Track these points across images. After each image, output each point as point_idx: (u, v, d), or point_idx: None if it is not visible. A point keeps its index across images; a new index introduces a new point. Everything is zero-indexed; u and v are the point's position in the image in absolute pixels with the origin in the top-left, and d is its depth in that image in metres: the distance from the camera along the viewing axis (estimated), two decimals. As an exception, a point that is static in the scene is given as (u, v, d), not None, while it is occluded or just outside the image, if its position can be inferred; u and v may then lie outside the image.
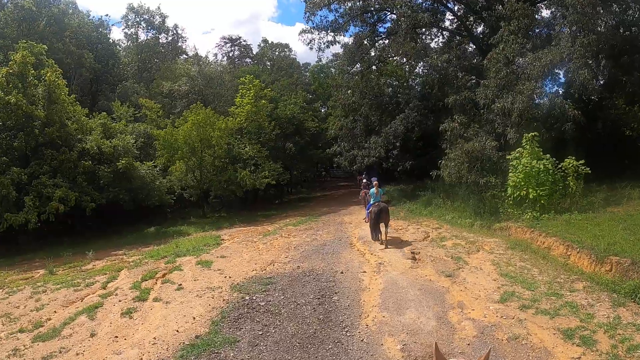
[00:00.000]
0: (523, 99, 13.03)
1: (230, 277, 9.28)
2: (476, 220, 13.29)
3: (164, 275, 10.59)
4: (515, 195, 11.53)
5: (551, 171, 11.35)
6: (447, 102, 15.36)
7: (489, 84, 14.09)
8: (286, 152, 26.81)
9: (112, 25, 43.70)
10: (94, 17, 39.41)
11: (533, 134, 11.84)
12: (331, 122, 29.54)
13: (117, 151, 20.57)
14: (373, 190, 12.14)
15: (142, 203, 21.00)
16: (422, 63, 22.97)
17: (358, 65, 25.29)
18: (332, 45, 23.93)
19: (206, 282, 9.07)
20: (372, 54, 26.02)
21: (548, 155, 11.58)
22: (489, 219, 12.62)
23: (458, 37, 22.10)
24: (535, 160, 11.38)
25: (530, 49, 14.56)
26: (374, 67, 26.32)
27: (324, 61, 37.33)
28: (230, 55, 57.13)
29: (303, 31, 25.06)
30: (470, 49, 22.29)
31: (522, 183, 11.32)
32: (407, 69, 27.33)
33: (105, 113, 23.11)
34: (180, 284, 9.19)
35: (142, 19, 44.72)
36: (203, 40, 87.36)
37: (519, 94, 13.38)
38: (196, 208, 25.79)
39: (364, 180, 19.37)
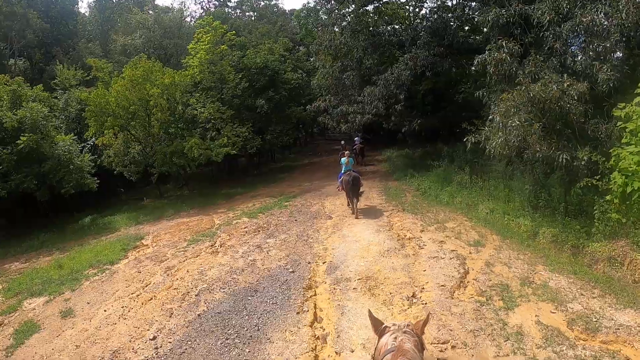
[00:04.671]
0: (629, 8, 7.11)
1: None
2: (538, 223, 7.69)
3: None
4: (635, 189, 5.80)
5: None
6: (484, 21, 9.25)
7: (561, -13, 8.05)
8: (257, 111, 20.81)
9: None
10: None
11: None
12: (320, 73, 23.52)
13: (24, 125, 15.05)
14: (344, 159, 11.99)
15: (57, 190, 15.49)
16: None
17: (352, 7, 19.19)
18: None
19: None
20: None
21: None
22: (572, 228, 6.91)
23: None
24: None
25: None
26: (369, 6, 20.16)
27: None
28: (207, 6, 50.20)
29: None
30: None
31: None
32: (411, 10, 21.35)
33: (20, 77, 17.40)
34: None
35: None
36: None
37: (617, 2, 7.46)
38: (161, 184, 20.51)
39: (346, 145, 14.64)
